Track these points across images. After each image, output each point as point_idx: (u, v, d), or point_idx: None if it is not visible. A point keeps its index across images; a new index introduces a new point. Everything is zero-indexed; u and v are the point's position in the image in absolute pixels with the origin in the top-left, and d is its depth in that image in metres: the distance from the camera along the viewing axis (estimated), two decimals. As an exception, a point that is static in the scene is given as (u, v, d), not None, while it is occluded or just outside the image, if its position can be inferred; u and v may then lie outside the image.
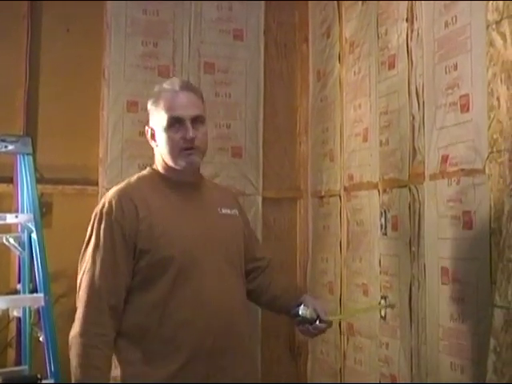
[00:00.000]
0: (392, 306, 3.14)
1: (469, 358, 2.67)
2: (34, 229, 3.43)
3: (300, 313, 2.47)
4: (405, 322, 3.15)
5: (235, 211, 2.59)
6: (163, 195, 2.39)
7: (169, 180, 2.43)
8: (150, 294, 2.26)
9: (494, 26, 2.57)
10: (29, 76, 3.79)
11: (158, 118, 2.39)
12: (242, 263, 2.53)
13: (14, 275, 3.72)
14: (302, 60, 4.46)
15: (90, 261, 2.25)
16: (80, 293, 2.25)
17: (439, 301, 2.89)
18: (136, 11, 4.03)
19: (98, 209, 2.34)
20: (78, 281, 2.28)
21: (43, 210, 3.60)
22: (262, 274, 2.70)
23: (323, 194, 4.16)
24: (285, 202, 4.40)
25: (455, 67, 2.85)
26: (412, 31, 3.20)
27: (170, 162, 2.39)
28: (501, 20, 2.53)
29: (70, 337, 2.20)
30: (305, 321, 2.48)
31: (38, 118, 3.80)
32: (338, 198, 3.94)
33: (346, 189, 3.86)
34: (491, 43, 2.59)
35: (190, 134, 2.34)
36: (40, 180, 3.58)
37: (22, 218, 3.48)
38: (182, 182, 2.43)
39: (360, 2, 3.72)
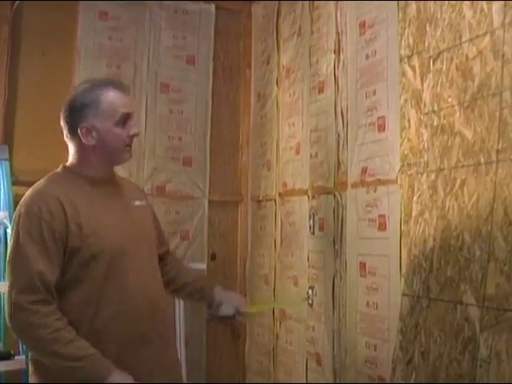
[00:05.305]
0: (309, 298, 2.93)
1: (381, 338, 2.74)
2: (8, 224, 3.40)
3: (224, 313, 2.36)
4: (328, 309, 3.20)
5: (144, 202, 2.37)
6: (85, 192, 2.14)
7: (87, 177, 2.16)
8: (82, 290, 2.05)
9: (406, 60, 2.66)
10: (7, 92, 3.72)
11: (103, 115, 2.12)
12: (156, 249, 2.35)
13: (-9, 264, 3.68)
14: (245, 83, 4.47)
15: (24, 261, 1.99)
16: (14, 292, 1.97)
17: (357, 290, 2.95)
18: (102, 38, 4.00)
19: (22, 210, 2.06)
20: (10, 280, 2.01)
21: (17, 209, 3.55)
22: (167, 262, 2.48)
23: (261, 198, 4.18)
24: (228, 205, 4.40)
25: (374, 93, 2.92)
26: (339, 61, 3.25)
27: (111, 157, 2.19)
28: (411, 55, 2.62)
29: (32, 341, 2.00)
30: (226, 318, 2.39)
31: (14, 129, 3.75)
32: (274, 202, 3.96)
33: (280, 194, 3.89)
34: (404, 74, 2.68)
35: (136, 130, 2.20)
36: (15, 182, 3.55)
37: (-2, 215, 3.47)
38: (100, 179, 2.19)
39: (295, 35, 3.77)
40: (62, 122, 2.19)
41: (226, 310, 2.36)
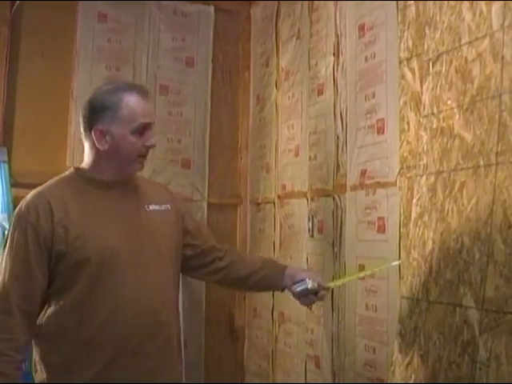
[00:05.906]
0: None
1: (380, 341, 2.74)
2: (7, 227, 3.41)
3: (309, 287, 2.27)
4: (327, 311, 3.19)
5: (166, 206, 2.22)
6: (86, 196, 2.07)
7: (95, 181, 2.09)
8: (69, 296, 1.98)
9: (405, 63, 2.65)
10: (6, 94, 3.73)
11: (121, 121, 2.03)
12: (177, 257, 2.23)
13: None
14: (244, 85, 4.47)
15: (3, 265, 1.97)
16: None
17: (356, 293, 2.94)
18: (101, 40, 4.01)
19: (16, 211, 2.04)
20: None
21: (16, 211, 3.55)
22: (219, 258, 2.35)
23: (260, 201, 4.17)
24: (227, 208, 4.39)
25: (373, 95, 2.92)
26: (338, 64, 3.25)
27: (122, 166, 2.10)
28: (411, 58, 2.61)
29: None
30: (310, 293, 2.30)
31: (13, 131, 3.75)
32: (273, 204, 3.96)
33: (279, 197, 3.88)
34: (403, 76, 2.67)
35: (153, 141, 2.09)
36: (14, 184, 3.55)
37: (-2, 217, 3.47)
38: (111, 182, 2.10)
39: (294, 38, 3.77)
40: (81, 120, 2.12)
41: (311, 283, 2.29)
